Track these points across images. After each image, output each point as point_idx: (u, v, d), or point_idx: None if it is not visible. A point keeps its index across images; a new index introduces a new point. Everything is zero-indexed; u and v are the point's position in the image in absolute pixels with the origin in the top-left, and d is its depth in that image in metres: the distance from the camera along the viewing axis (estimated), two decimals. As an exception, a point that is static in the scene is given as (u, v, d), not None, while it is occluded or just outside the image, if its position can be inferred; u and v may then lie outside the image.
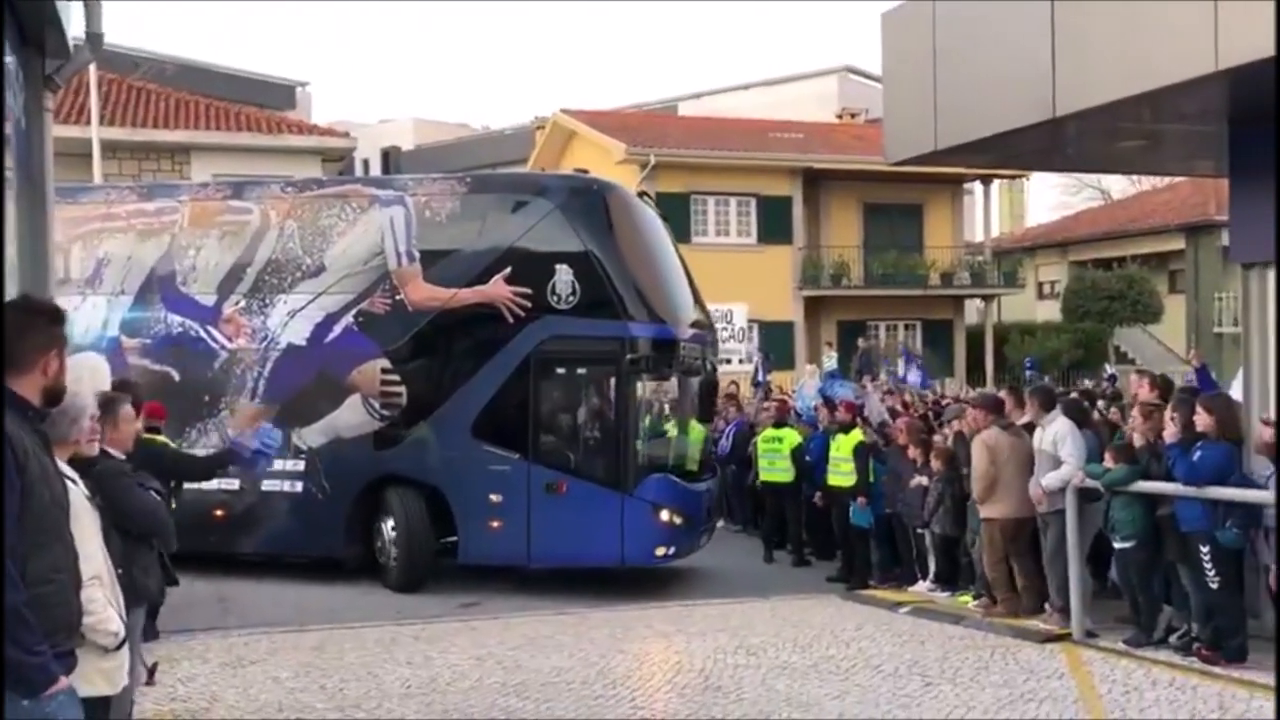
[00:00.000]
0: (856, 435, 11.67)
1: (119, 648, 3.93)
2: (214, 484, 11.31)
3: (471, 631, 9.34)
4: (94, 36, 6.02)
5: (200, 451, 11.29)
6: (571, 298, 10.86)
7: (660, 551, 10.98)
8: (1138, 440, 8.20)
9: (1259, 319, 9.40)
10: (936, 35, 10.04)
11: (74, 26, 6.16)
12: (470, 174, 13.60)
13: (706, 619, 9.68)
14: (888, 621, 9.58)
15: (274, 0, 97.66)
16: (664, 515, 10.91)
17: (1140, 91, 8.03)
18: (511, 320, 10.94)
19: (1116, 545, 8.31)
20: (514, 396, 10.96)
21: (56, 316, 3.67)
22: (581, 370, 11.35)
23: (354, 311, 11.49)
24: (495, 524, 10.91)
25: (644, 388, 11.13)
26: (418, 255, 11.42)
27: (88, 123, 19.20)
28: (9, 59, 5.26)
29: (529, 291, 10.91)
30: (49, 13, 5.53)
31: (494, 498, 10.88)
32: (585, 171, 12.73)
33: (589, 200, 11.39)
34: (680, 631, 9.22)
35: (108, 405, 4.81)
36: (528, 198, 11.52)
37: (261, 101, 34.96)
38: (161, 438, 8.95)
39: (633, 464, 10.87)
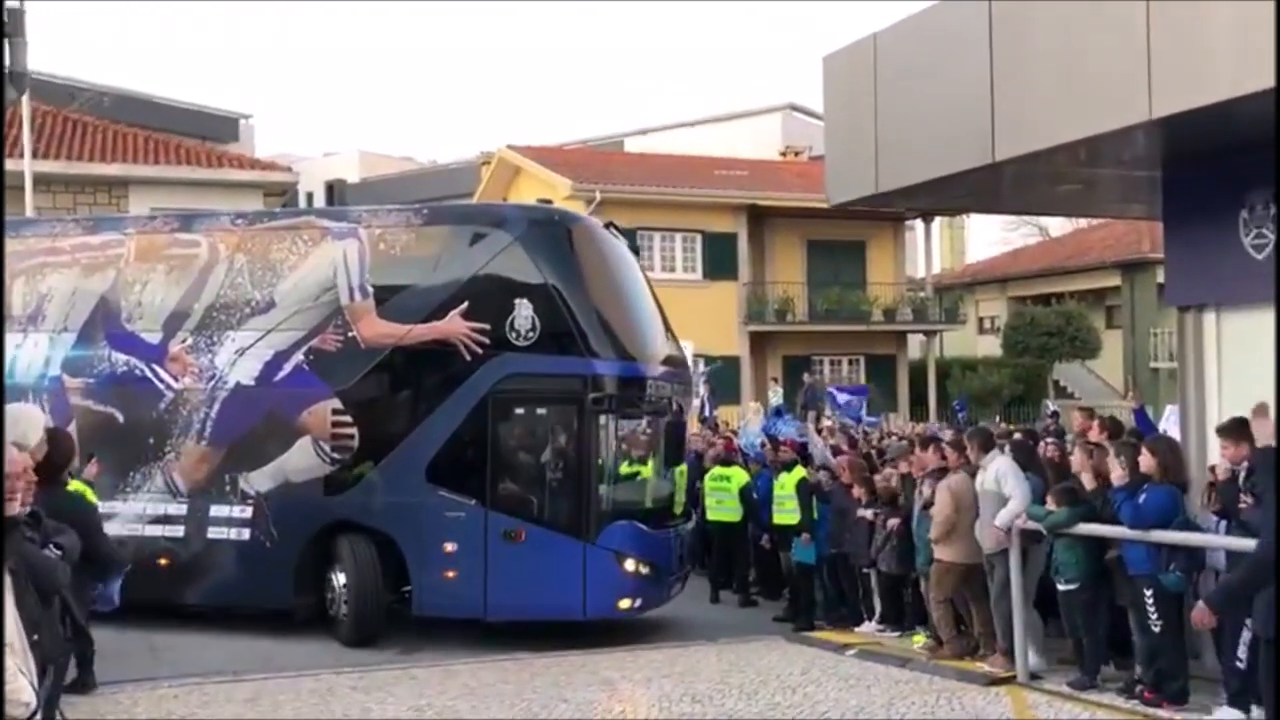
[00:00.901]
0: (799, 472, 11.67)
1: (31, 717, 3.76)
2: (158, 530, 11.08)
3: (411, 680, 9.12)
4: (17, 75, 5.87)
5: (138, 500, 11.12)
6: (531, 334, 10.41)
7: (625, 604, 10.48)
8: (1086, 482, 8.24)
9: (1194, 361, 9.55)
10: (878, 78, 10.18)
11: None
12: (427, 205, 13.18)
13: (652, 664, 9.54)
14: (834, 664, 9.52)
15: (217, 31, 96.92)
16: (629, 564, 10.40)
17: (1077, 138, 8.16)
18: (468, 358, 10.48)
19: (1060, 587, 8.33)
20: (471, 438, 10.49)
21: None
22: (542, 410, 10.73)
23: (304, 349, 11.01)
24: (450, 574, 10.39)
25: (608, 429, 10.53)
26: (371, 290, 10.96)
27: (20, 156, 18.82)
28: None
29: (487, 327, 10.45)
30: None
31: (449, 546, 10.37)
32: (549, 202, 12.31)
33: (550, 232, 11.01)
34: (625, 678, 9.08)
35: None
36: (486, 229, 11.10)
37: (204, 134, 34.60)
38: (79, 484, 8.62)
39: (595, 510, 10.34)
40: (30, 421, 4.86)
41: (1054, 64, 8.31)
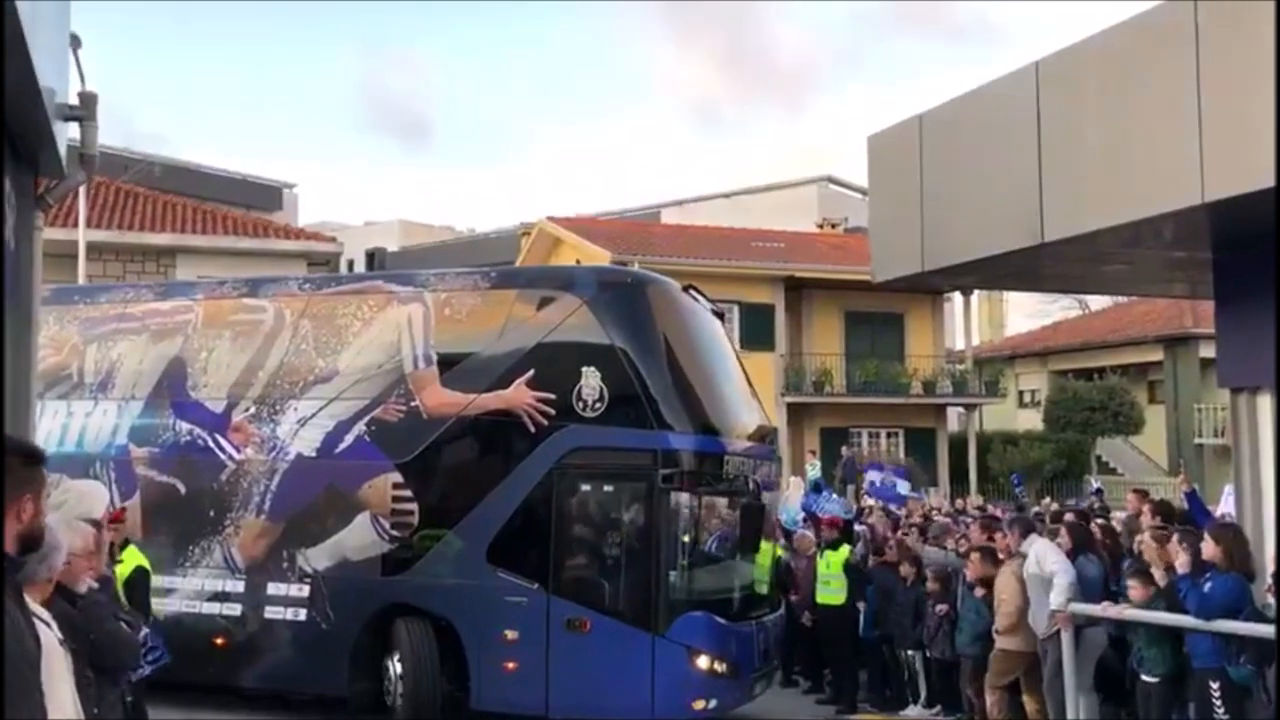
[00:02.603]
0: (845, 552, 11.52)
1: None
2: (215, 609, 10.76)
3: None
4: (88, 158, 6.00)
5: (197, 576, 10.89)
6: (599, 404, 9.70)
7: (699, 705, 9.43)
8: (1158, 575, 8.06)
9: (1249, 443, 9.38)
10: (923, 159, 10.19)
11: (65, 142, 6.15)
12: (496, 268, 12.62)
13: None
14: (879, 750, 9.31)
15: (263, 103, 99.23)
16: (702, 661, 9.45)
17: (1128, 220, 8.12)
18: (533, 429, 9.84)
19: (1142, 678, 8.08)
20: (534, 517, 9.79)
21: (33, 458, 3.54)
22: (609, 487, 9.92)
23: (366, 419, 10.53)
24: (511, 665, 9.66)
25: (682, 508, 9.61)
26: (435, 357, 10.51)
27: (74, 225, 19.24)
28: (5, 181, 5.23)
29: (553, 397, 9.82)
30: (44, 134, 5.51)
31: (510, 634, 9.65)
32: (623, 264, 11.75)
33: (622, 294, 10.32)
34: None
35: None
36: (554, 292, 10.46)
37: (249, 202, 35.34)
38: (133, 549, 8.65)
39: (665, 599, 9.42)
40: (95, 498, 4.88)
41: (1103, 144, 8.29)
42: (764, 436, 11.26)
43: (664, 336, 10.24)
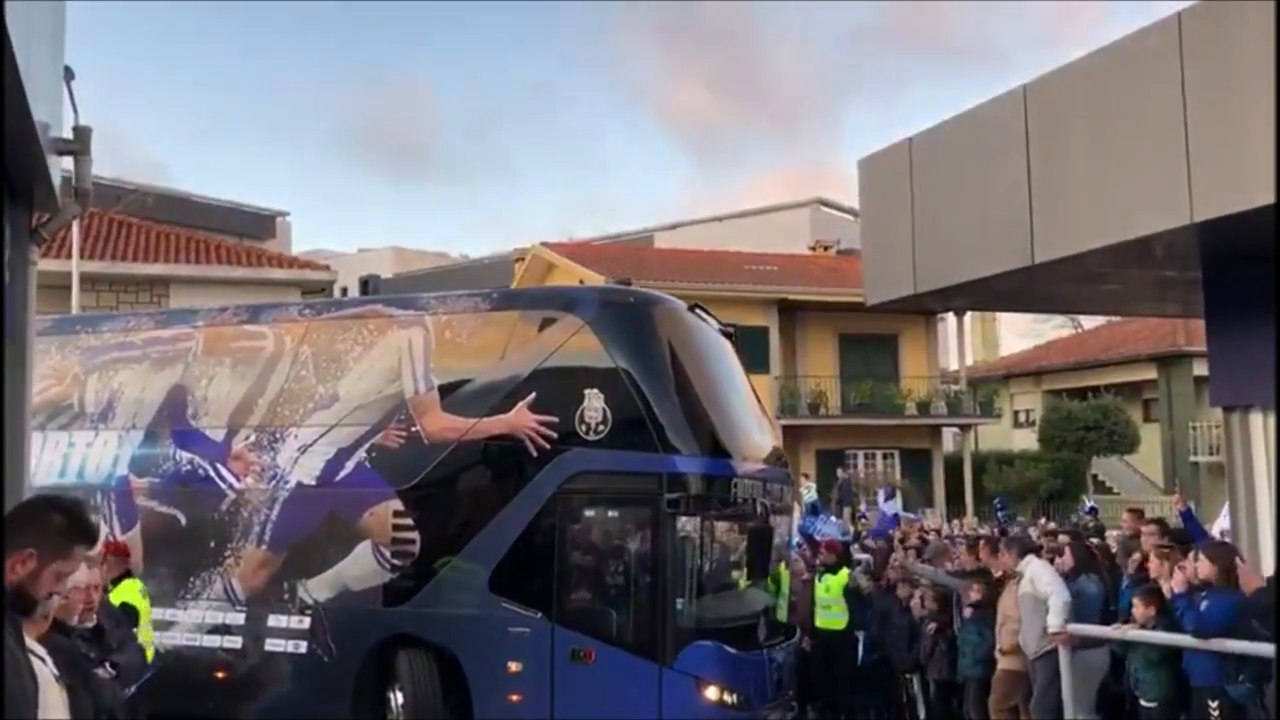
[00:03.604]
0: (844, 576, 11.47)
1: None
2: (215, 642, 10.58)
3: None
4: (82, 191, 6.01)
5: (198, 608, 10.75)
6: (603, 426, 9.47)
7: None
8: (1166, 589, 8.05)
9: (1243, 461, 9.41)
10: (914, 182, 10.27)
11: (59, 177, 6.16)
12: (497, 290, 12.37)
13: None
14: (880, 775, 9.26)
15: (256, 131, 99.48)
16: (711, 693, 9.11)
17: (1117, 241, 8.18)
18: (536, 454, 9.64)
19: (1142, 703, 8.07)
20: (537, 543, 9.53)
21: (78, 531, 3.46)
22: (613, 512, 9.69)
23: (367, 446, 10.35)
24: (515, 697, 9.38)
25: (689, 534, 9.33)
26: (435, 382, 10.33)
27: (68, 256, 19.25)
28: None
29: (556, 420, 9.61)
30: (39, 168, 5.52)
31: (513, 665, 9.39)
32: (627, 283, 11.36)
33: (624, 314, 10.09)
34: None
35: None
36: (556, 313, 10.25)
37: (242, 230, 35.31)
38: (134, 581, 8.64)
39: (672, 628, 9.14)
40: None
41: (1091, 166, 8.36)
42: (778, 458, 11.03)
43: (669, 356, 10.00)
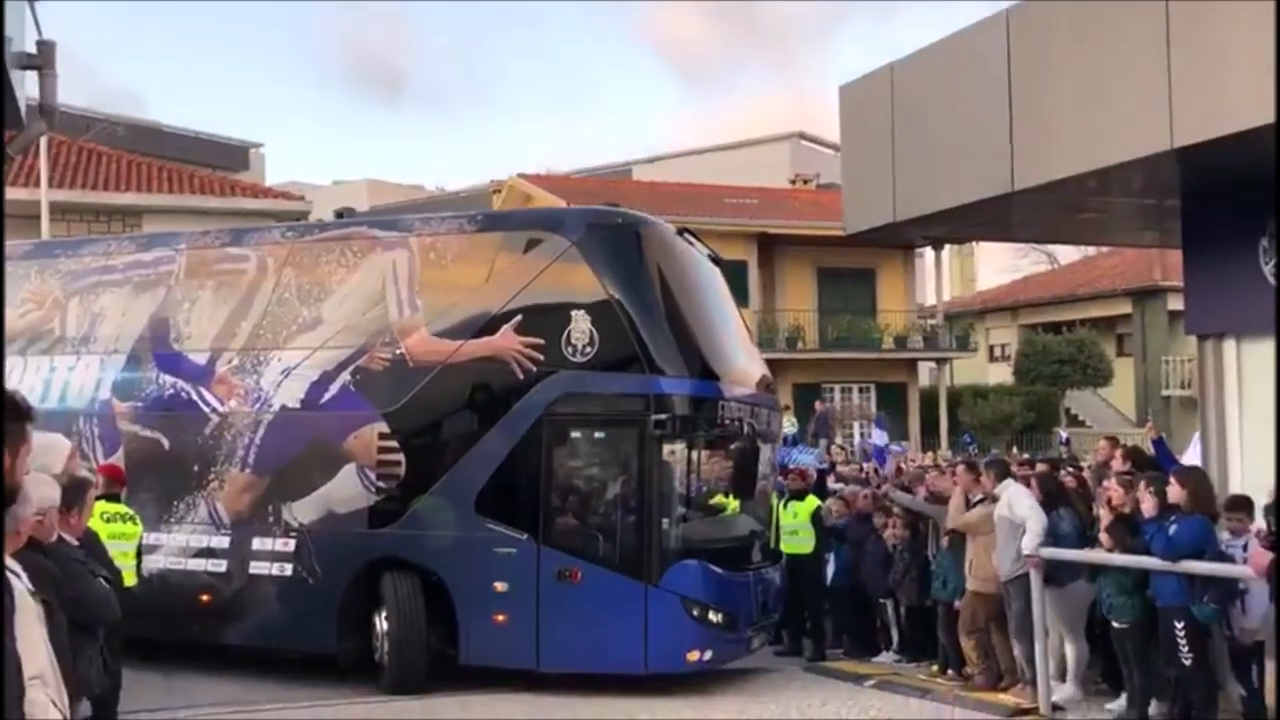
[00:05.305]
0: (812, 502, 11.48)
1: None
2: (200, 565, 10.56)
3: (428, 709, 9.06)
4: (48, 109, 5.89)
5: (182, 532, 10.70)
6: (589, 349, 9.42)
7: (693, 656, 9.28)
8: (1105, 515, 8.17)
9: (1214, 389, 9.51)
10: (895, 108, 10.20)
11: (27, 94, 6.04)
12: (483, 212, 12.16)
13: (669, 696, 9.41)
14: (853, 696, 9.44)
15: (229, 62, 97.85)
16: (696, 611, 9.26)
17: (1097, 167, 8.17)
18: (521, 376, 9.60)
19: (1114, 625, 8.21)
20: (523, 466, 9.54)
21: (18, 413, 3.48)
22: (600, 434, 9.71)
23: (351, 369, 10.25)
24: (500, 617, 9.44)
25: (675, 455, 9.39)
26: (421, 304, 10.26)
27: (37, 185, 18.94)
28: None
29: (541, 342, 9.56)
30: (3, 84, 5.40)
31: (499, 586, 9.42)
32: (615, 205, 11.29)
33: (611, 235, 9.99)
34: (644, 710, 8.97)
35: (74, 492, 4.64)
36: (542, 234, 10.14)
37: (215, 162, 34.82)
38: (121, 505, 8.66)
39: (658, 548, 9.21)
40: (55, 452, 4.83)
41: (1072, 91, 8.33)
42: (768, 386, 10.97)
43: (656, 278, 9.95)
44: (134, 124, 34.05)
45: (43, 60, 5.71)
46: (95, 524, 8.19)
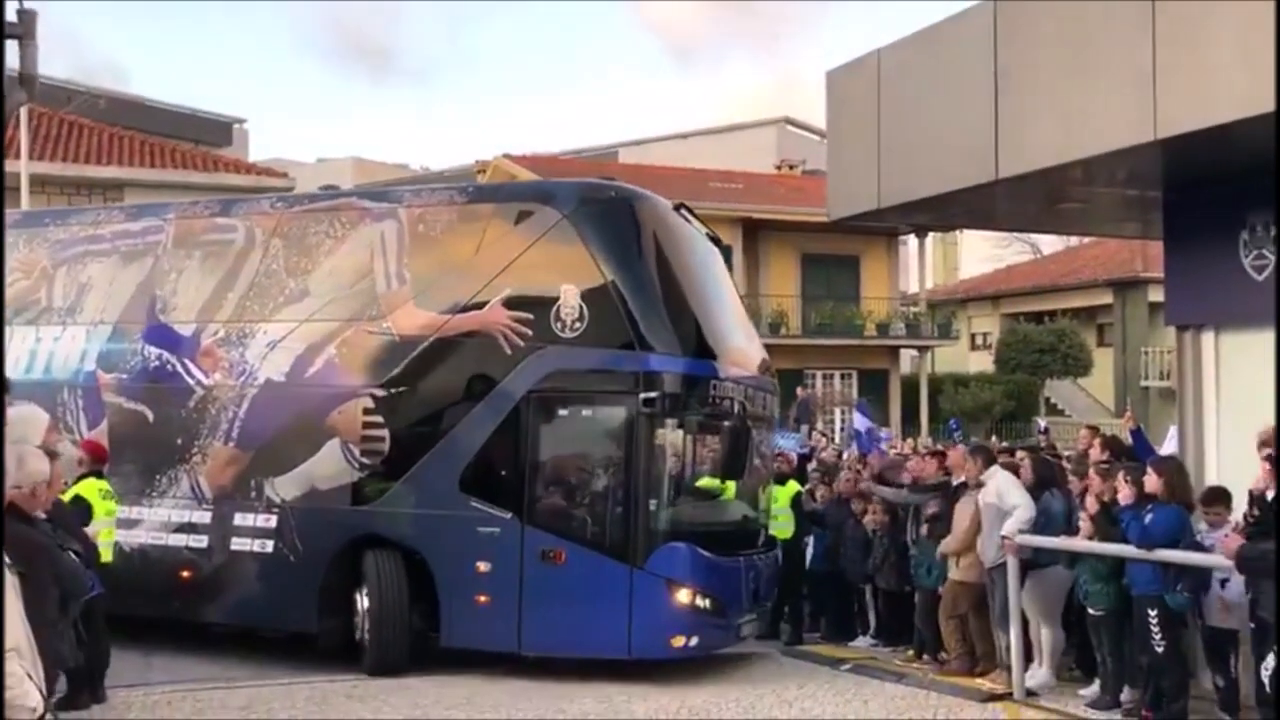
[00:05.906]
0: (793, 486, 11.55)
1: (39, 721, 3.74)
2: (181, 541, 10.43)
3: (406, 690, 9.07)
4: (28, 78, 5.84)
5: (164, 506, 10.58)
6: (579, 324, 9.24)
7: (678, 642, 9.07)
8: (1091, 503, 8.23)
9: (1193, 381, 9.58)
10: (881, 94, 10.20)
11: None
12: (473, 184, 12.14)
13: (647, 678, 9.42)
14: (830, 679, 9.49)
15: (213, 37, 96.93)
16: (682, 595, 9.05)
17: (1081, 157, 8.20)
18: (509, 351, 9.41)
19: (1090, 611, 8.29)
20: (509, 443, 9.36)
21: None
22: (588, 411, 9.49)
23: (337, 341, 10.10)
24: (482, 598, 9.28)
25: (665, 435, 9.20)
26: (409, 277, 10.07)
27: (17, 156, 18.77)
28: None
29: (530, 317, 9.38)
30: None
31: (482, 566, 9.25)
32: (610, 179, 11.03)
33: (603, 209, 9.79)
34: (621, 691, 9.00)
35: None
36: (533, 206, 9.91)
37: (198, 138, 34.50)
38: (103, 482, 8.62)
39: (644, 529, 9.02)
40: (33, 424, 4.81)
41: (1058, 83, 8.34)
42: (765, 369, 10.83)
43: (650, 252, 9.72)
44: (116, 97, 33.74)
45: (23, 29, 5.66)
46: (93, 500, 8.26)
